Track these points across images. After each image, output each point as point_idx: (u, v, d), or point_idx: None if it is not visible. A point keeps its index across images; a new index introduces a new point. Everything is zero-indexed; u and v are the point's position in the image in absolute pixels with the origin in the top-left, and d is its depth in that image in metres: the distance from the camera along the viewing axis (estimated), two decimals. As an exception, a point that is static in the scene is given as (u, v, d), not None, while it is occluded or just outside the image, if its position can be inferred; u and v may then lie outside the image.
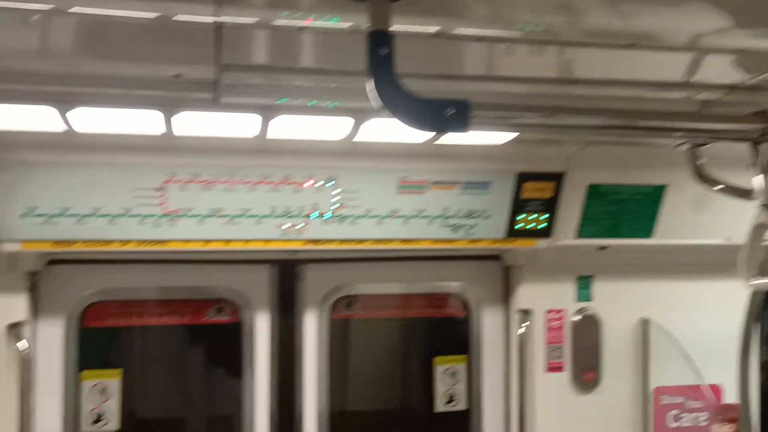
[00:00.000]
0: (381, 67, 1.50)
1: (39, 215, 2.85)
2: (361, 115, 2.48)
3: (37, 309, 3.32)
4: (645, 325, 3.76)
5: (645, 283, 3.78)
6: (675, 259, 3.68)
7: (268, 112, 2.45)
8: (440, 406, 3.85)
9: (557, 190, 3.30)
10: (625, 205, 3.44)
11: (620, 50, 1.98)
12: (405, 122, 1.53)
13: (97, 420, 3.45)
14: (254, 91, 2.25)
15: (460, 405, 3.85)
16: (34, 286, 3.31)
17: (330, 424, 3.66)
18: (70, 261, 3.36)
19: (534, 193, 3.29)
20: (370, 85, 1.55)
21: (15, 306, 3.18)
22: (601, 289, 3.77)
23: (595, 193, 3.37)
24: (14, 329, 3.18)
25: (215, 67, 2.06)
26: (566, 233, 3.43)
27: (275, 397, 3.60)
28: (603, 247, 3.59)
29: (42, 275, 3.33)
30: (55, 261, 3.33)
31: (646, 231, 3.53)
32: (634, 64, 2.15)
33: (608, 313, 3.76)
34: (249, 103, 2.38)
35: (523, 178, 3.25)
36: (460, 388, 3.86)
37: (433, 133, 2.74)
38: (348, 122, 2.54)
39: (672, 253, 3.63)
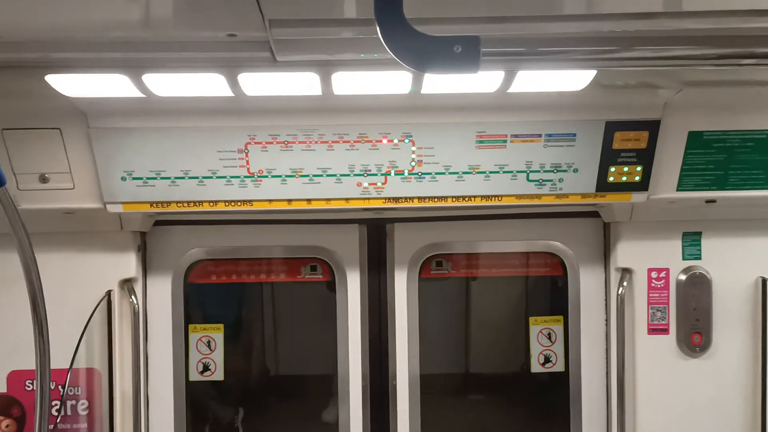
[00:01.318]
0: (386, 7, 1.46)
1: (136, 178, 3.07)
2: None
3: (146, 267, 3.60)
4: (762, 284, 3.43)
5: (763, 239, 3.45)
6: None
7: (324, 68, 2.47)
8: (536, 367, 3.76)
9: (652, 140, 3.06)
10: (734, 154, 3.13)
11: None
12: (411, 65, 1.48)
13: (204, 370, 3.71)
14: (306, 46, 2.27)
15: (557, 367, 3.74)
16: (143, 245, 3.59)
17: (422, 385, 3.69)
18: (175, 222, 3.61)
19: (626, 143, 3.07)
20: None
21: (126, 263, 3.46)
22: (711, 246, 3.48)
23: (696, 141, 3.09)
24: (127, 284, 3.47)
25: (262, 23, 2.11)
26: (665, 186, 3.18)
27: (368, 355, 3.68)
28: (711, 201, 3.29)
29: (150, 236, 3.60)
30: (161, 222, 3.59)
31: (762, 181, 3.19)
32: None
33: (720, 272, 3.47)
34: (304, 59, 2.41)
35: (612, 127, 3.04)
36: (557, 350, 3.75)
37: (499, 82, 2.65)
38: (407, 74, 2.51)
39: None
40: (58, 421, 3.35)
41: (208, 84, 2.59)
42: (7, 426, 3.42)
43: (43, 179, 3.06)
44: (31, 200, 3.05)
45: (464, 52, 1.46)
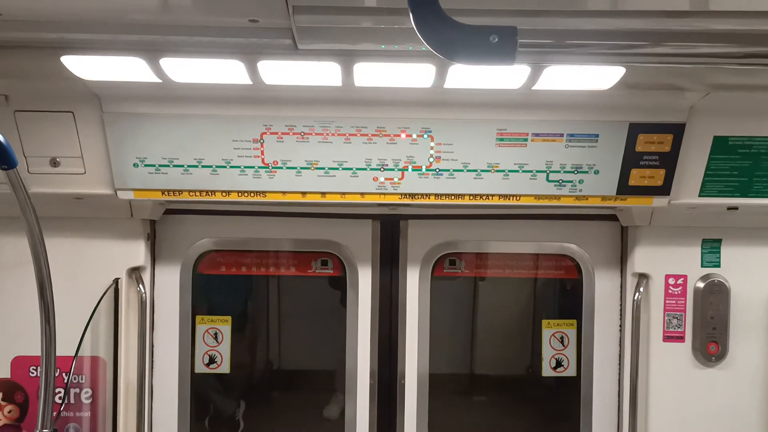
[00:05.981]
0: (421, -6, 1.40)
1: (148, 165, 3.02)
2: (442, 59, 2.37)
3: (155, 256, 3.55)
4: (783, 296, 3.38)
5: None
6: None
7: (346, 58, 2.41)
8: (547, 371, 3.70)
9: (676, 143, 3.00)
10: (759, 160, 3.06)
11: None
12: (446, 55, 1.42)
13: (210, 362, 3.66)
14: (328, 35, 2.21)
15: (569, 371, 3.68)
16: (153, 234, 3.54)
17: (431, 384, 3.63)
18: (185, 211, 3.55)
19: (650, 146, 3.01)
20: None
21: (135, 251, 3.41)
22: (731, 254, 3.41)
23: (721, 146, 3.02)
24: (135, 273, 3.42)
25: (286, 9, 2.05)
26: (687, 191, 3.12)
27: (377, 352, 3.62)
28: (733, 208, 3.23)
29: (160, 224, 3.55)
30: (171, 211, 3.54)
31: None
32: None
33: (739, 280, 3.41)
34: (326, 48, 2.35)
35: (636, 129, 2.97)
36: (569, 354, 3.68)
37: (525, 78, 2.58)
38: (430, 67, 2.44)
39: None
40: (61, 408, 3.30)
41: (227, 71, 2.53)
42: (9, 412, 3.37)
43: (54, 163, 3.01)
44: (41, 184, 3.01)
45: (500, 43, 1.40)
